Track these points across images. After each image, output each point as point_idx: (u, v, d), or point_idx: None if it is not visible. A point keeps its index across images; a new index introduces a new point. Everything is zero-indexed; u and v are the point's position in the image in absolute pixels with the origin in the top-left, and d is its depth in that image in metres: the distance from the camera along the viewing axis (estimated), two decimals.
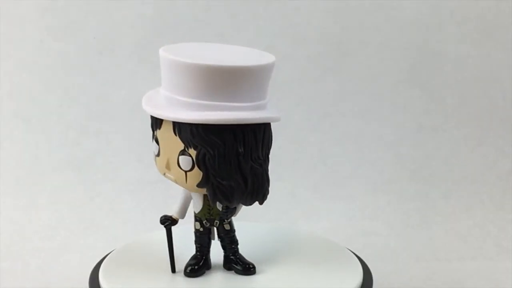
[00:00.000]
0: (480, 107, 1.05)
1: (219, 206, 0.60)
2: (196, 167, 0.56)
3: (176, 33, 1.02)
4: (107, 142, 1.03)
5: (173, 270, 0.62)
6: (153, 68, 1.02)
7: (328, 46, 1.04)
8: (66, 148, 1.03)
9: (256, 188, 0.58)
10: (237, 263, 0.63)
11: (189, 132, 0.55)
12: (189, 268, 0.62)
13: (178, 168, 0.57)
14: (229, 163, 0.56)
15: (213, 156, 0.55)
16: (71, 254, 0.90)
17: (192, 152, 0.56)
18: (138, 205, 1.00)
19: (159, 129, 0.58)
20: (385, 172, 1.04)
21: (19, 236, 0.94)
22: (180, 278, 0.61)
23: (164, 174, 0.59)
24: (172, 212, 0.62)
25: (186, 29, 1.02)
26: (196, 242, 0.63)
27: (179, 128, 0.56)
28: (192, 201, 0.62)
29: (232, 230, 0.63)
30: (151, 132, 0.60)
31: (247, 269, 0.63)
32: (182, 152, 0.56)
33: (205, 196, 0.60)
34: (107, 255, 0.67)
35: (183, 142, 0.56)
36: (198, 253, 0.63)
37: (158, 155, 0.59)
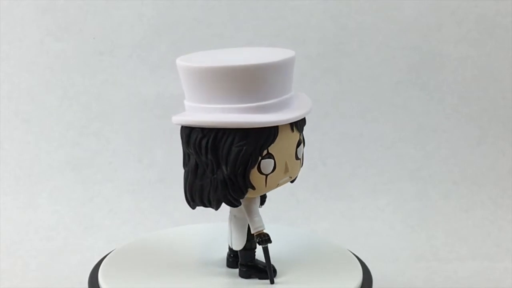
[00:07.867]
0: (480, 107, 1.05)
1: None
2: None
3: (176, 33, 1.02)
4: (107, 142, 1.03)
5: (272, 281, 0.60)
6: (152, 68, 1.03)
7: (328, 46, 1.03)
8: (66, 148, 1.03)
9: None
10: None
11: (303, 120, 0.59)
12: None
13: (297, 161, 0.59)
14: None
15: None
16: (71, 254, 0.90)
17: (301, 136, 0.59)
18: (138, 205, 1.00)
19: (274, 142, 0.56)
20: (385, 172, 1.04)
21: (19, 236, 0.94)
22: (180, 278, 0.61)
23: (277, 185, 0.58)
24: (260, 228, 0.59)
25: (186, 29, 1.02)
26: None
27: (301, 120, 0.58)
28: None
29: None
30: (253, 156, 0.55)
31: None
32: (299, 143, 0.59)
33: None
34: (106, 255, 0.67)
35: (300, 132, 0.59)
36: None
37: (273, 170, 0.56)
